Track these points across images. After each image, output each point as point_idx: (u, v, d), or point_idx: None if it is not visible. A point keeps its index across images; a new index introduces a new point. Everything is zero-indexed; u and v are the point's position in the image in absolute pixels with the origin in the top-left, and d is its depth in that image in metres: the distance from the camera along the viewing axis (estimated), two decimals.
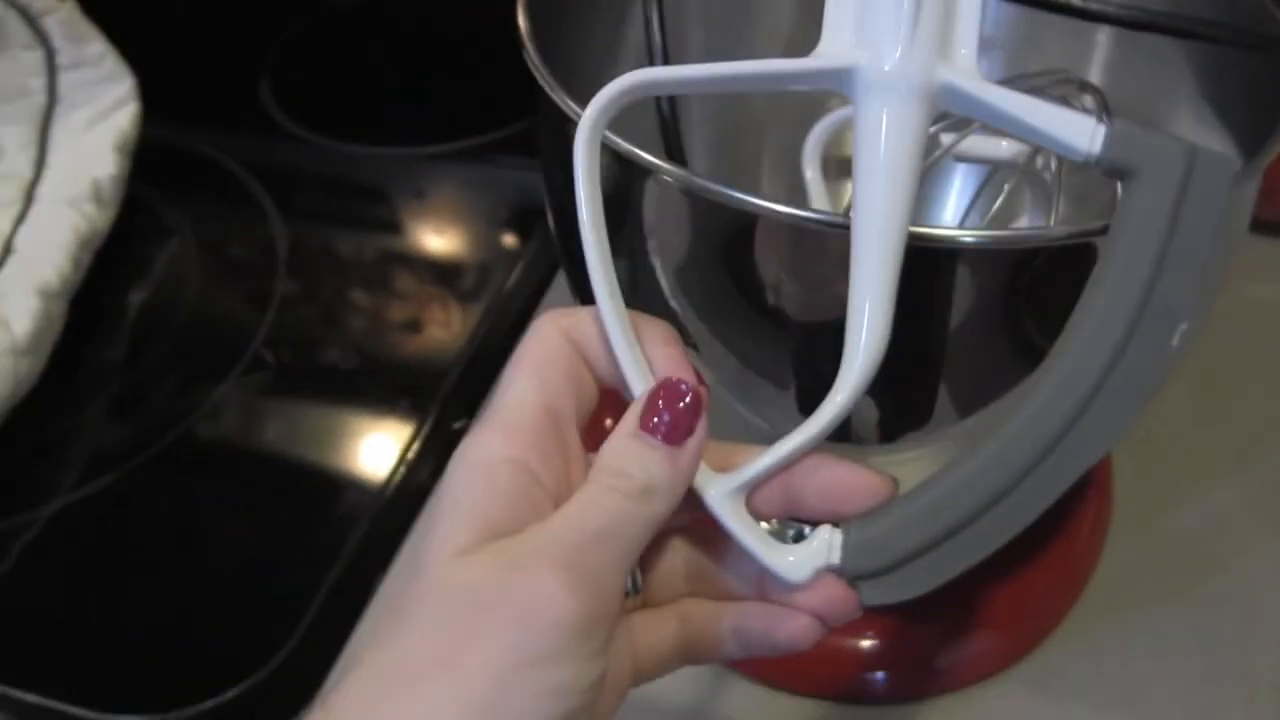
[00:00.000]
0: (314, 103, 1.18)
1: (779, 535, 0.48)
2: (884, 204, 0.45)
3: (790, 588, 0.47)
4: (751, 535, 0.47)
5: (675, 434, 0.44)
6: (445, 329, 0.94)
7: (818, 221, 0.50)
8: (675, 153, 0.63)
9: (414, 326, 0.95)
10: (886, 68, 0.45)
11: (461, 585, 0.41)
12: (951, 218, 0.82)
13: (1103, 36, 0.76)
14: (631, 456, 0.44)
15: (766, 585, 0.48)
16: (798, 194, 0.73)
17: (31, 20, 0.98)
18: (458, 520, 0.42)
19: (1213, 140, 0.67)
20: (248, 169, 1.08)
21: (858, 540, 0.46)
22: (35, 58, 0.99)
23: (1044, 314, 0.55)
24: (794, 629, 0.47)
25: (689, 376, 0.46)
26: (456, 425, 0.86)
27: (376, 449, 0.86)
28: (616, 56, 0.71)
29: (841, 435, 0.57)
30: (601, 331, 0.47)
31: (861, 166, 0.46)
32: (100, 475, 0.84)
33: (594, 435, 0.47)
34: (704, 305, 0.57)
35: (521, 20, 0.60)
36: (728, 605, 0.49)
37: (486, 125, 1.12)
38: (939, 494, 0.46)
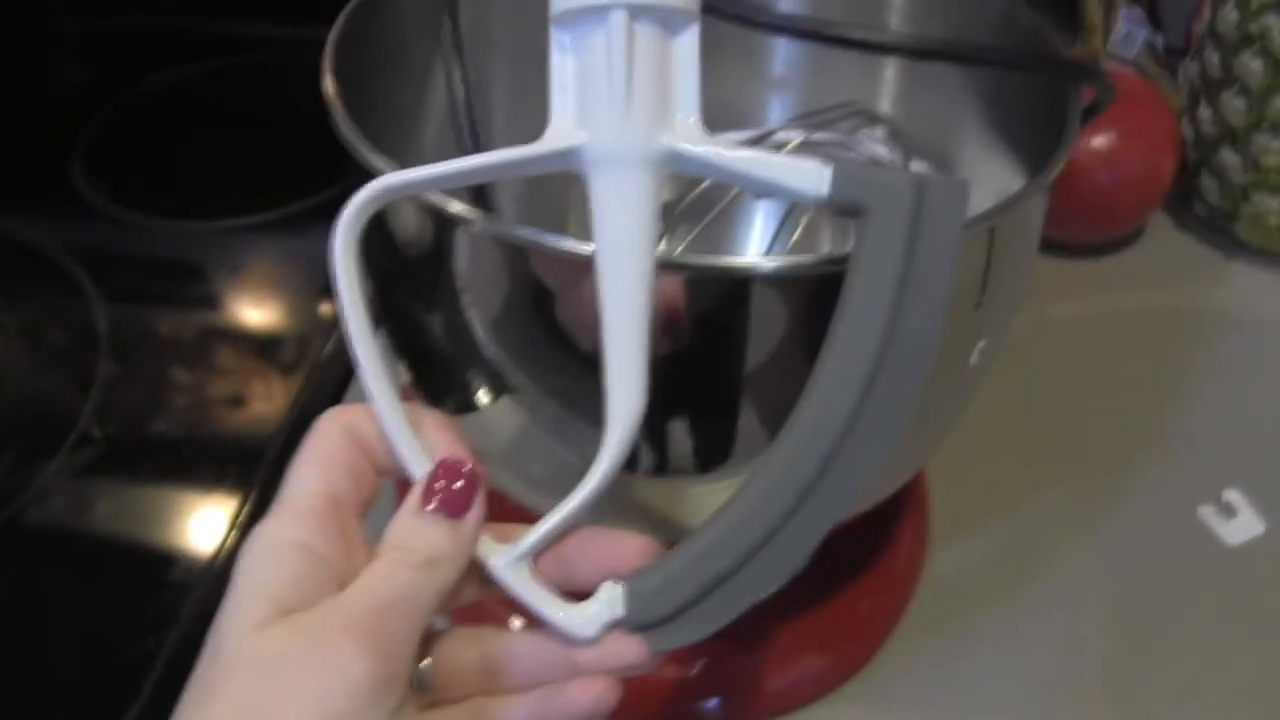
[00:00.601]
0: (128, 182, 1.17)
1: None
2: (624, 272, 0.47)
3: (580, 643, 0.48)
4: (537, 597, 0.49)
5: (455, 508, 0.47)
6: (268, 401, 0.94)
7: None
8: (485, 204, 0.64)
9: (237, 400, 0.95)
10: (606, 143, 0.47)
11: (259, 657, 0.43)
12: (756, 252, 0.84)
13: (890, 70, 0.78)
14: (415, 532, 0.47)
15: (560, 662, 0.49)
16: None
17: None
18: (251, 600, 0.44)
19: (1000, 162, 0.70)
20: (65, 251, 1.07)
21: (637, 591, 0.48)
22: None
23: None
24: (590, 693, 0.48)
25: (465, 456, 0.49)
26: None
27: (207, 519, 0.86)
28: (422, 117, 0.72)
29: (657, 468, 0.59)
30: (379, 424, 0.49)
31: (599, 238, 0.48)
32: None
33: None
34: (521, 352, 0.58)
35: (328, 84, 0.60)
36: (520, 696, 0.50)
37: (298, 194, 1.13)
38: (710, 539, 0.48)
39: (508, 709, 0.49)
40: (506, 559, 0.48)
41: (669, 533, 0.55)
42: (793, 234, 0.76)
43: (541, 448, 0.61)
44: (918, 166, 0.74)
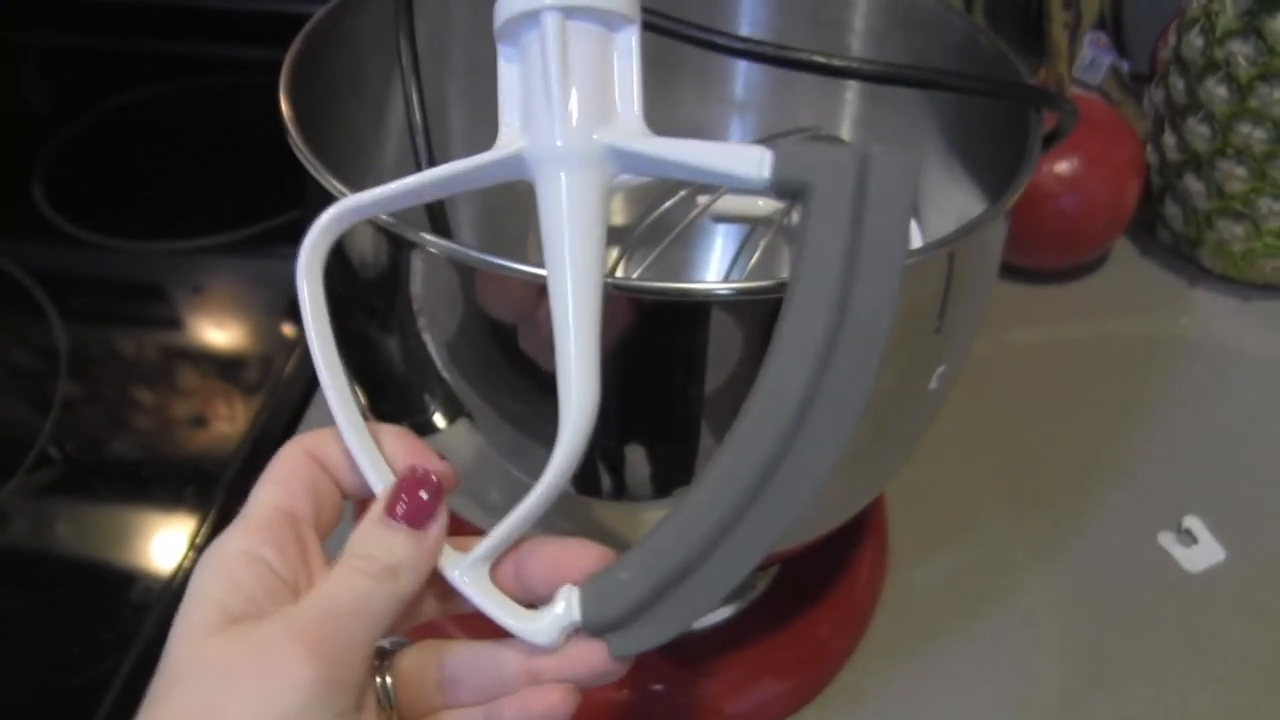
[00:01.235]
0: (88, 203, 1.17)
1: None
2: (571, 274, 0.47)
3: (541, 650, 0.48)
4: (496, 604, 0.48)
5: (418, 518, 0.47)
6: (230, 422, 0.94)
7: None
8: (441, 229, 0.64)
9: (199, 421, 0.95)
10: (545, 144, 0.47)
11: (206, 663, 0.43)
12: (716, 277, 0.84)
13: (851, 94, 0.78)
14: (377, 541, 0.47)
15: (519, 672, 0.49)
16: None
17: None
18: (199, 608, 0.45)
19: (962, 187, 0.70)
20: (25, 272, 1.07)
21: (591, 595, 0.48)
22: None
23: None
24: (550, 701, 0.48)
25: (432, 461, 0.49)
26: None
27: (165, 539, 0.85)
28: (381, 139, 0.72)
29: (618, 492, 0.59)
30: (341, 440, 0.49)
31: (546, 240, 0.47)
32: None
33: None
34: (476, 376, 0.58)
35: (285, 106, 0.60)
36: (480, 708, 0.50)
37: (259, 216, 1.13)
38: (663, 537, 0.47)
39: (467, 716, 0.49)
40: (463, 566, 0.48)
41: None
42: (751, 258, 0.76)
43: (498, 471, 0.61)
44: None
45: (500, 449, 0.60)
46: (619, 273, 0.73)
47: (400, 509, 0.47)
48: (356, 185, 0.53)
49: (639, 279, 0.71)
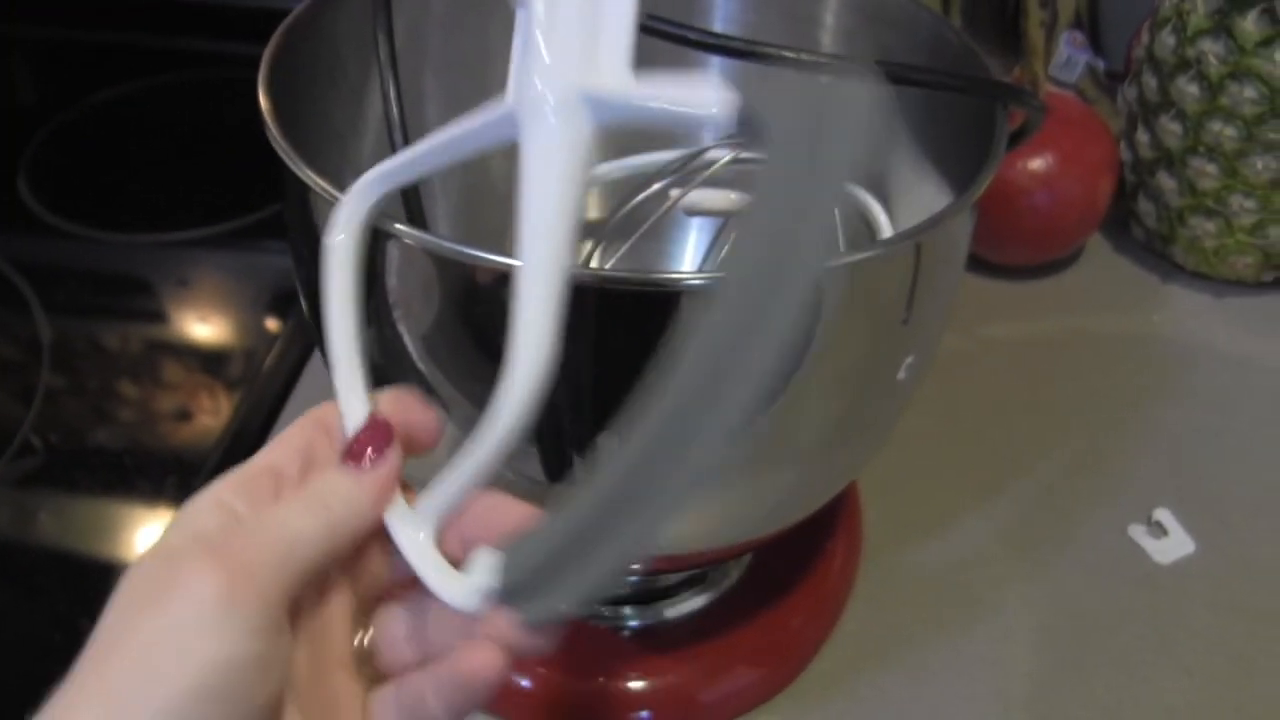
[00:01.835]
0: (73, 195, 1.17)
1: None
2: (542, 225, 0.46)
3: (465, 616, 0.47)
4: (424, 562, 0.48)
5: (358, 456, 0.48)
6: (213, 415, 0.95)
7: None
8: (417, 220, 0.65)
9: (182, 414, 0.95)
10: (529, 93, 0.46)
11: (127, 590, 0.43)
12: (690, 269, 0.84)
13: None
14: (322, 480, 0.48)
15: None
16: None
17: None
18: (152, 550, 0.45)
19: (930, 183, 0.71)
20: (9, 264, 1.07)
21: (508, 558, 0.46)
22: None
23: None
24: (476, 662, 0.47)
25: (414, 412, 0.50)
26: None
27: (147, 527, 0.86)
28: (359, 132, 0.72)
29: None
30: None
31: (522, 189, 0.46)
32: None
33: None
34: (451, 367, 0.59)
35: (263, 99, 0.61)
36: (429, 669, 0.49)
37: (244, 209, 1.14)
38: (577, 504, 0.45)
39: (421, 683, 0.49)
40: (404, 516, 0.49)
41: None
42: (723, 251, 0.76)
43: None
44: (849, 188, 0.75)
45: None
46: (593, 265, 0.73)
47: (351, 451, 0.48)
48: (335, 179, 0.54)
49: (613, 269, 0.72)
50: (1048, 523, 0.89)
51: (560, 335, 0.46)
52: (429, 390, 0.59)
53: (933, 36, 0.71)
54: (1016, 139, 0.64)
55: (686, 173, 0.72)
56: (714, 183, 0.72)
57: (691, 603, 0.77)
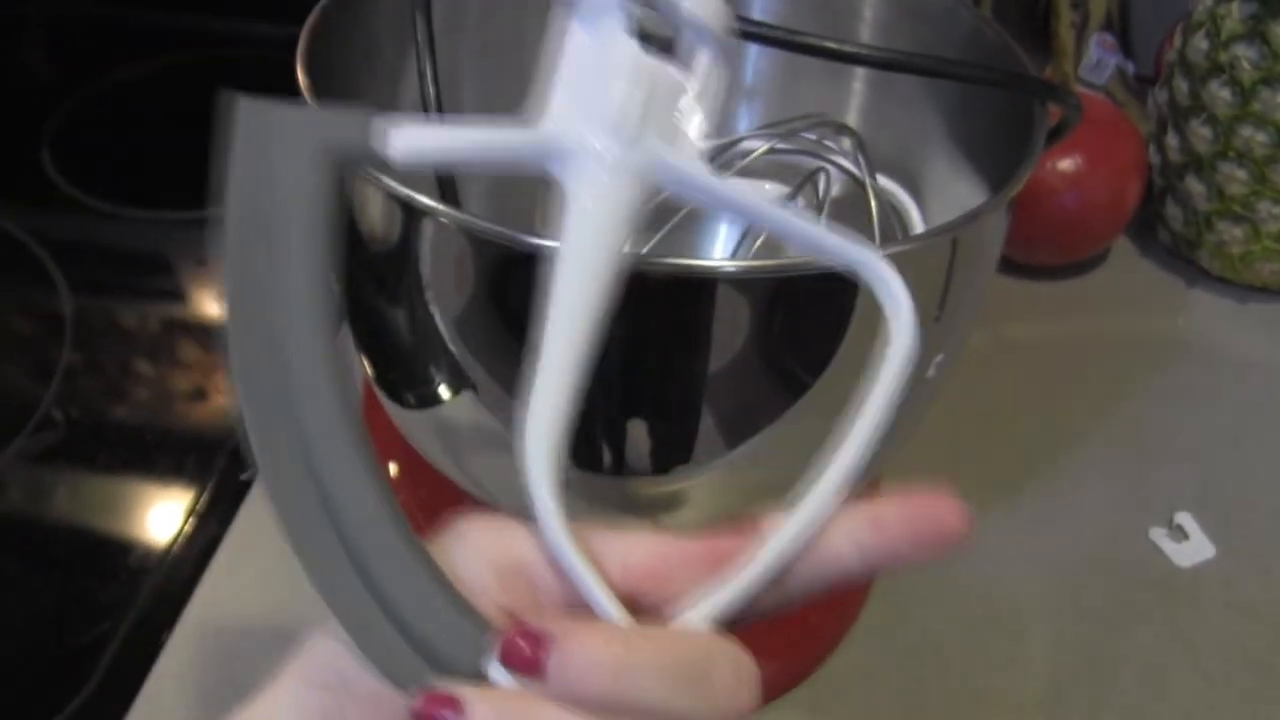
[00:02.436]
0: (96, 171, 1.17)
1: None
2: (582, 274, 0.43)
3: None
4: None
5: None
6: (230, 395, 0.95)
7: None
8: (451, 200, 0.65)
9: (199, 393, 0.95)
10: (598, 142, 0.42)
11: None
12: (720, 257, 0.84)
13: (858, 83, 0.79)
14: None
15: None
16: None
17: None
18: None
19: (966, 179, 0.71)
20: (32, 238, 1.07)
21: None
22: None
23: (801, 347, 0.57)
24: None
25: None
26: (244, 476, 0.87)
27: (165, 504, 0.86)
28: (394, 111, 0.72)
29: (616, 468, 0.59)
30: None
31: (565, 237, 0.43)
32: None
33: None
34: (482, 349, 0.59)
35: (301, 76, 0.61)
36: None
37: None
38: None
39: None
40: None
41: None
42: (754, 243, 0.76)
43: (501, 444, 0.61)
44: (884, 182, 0.75)
45: (504, 422, 0.60)
46: (626, 248, 0.73)
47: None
48: None
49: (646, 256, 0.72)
50: (1068, 523, 0.88)
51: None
52: (458, 372, 0.59)
53: (970, 32, 0.71)
54: (1052, 138, 0.64)
55: (720, 163, 0.72)
56: (748, 173, 0.72)
57: None
